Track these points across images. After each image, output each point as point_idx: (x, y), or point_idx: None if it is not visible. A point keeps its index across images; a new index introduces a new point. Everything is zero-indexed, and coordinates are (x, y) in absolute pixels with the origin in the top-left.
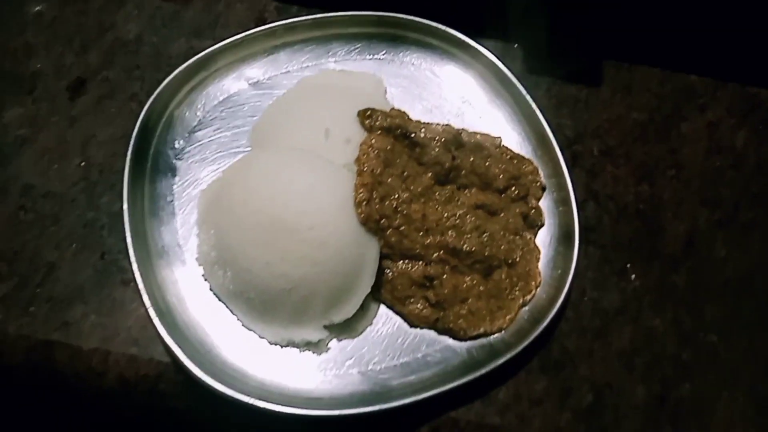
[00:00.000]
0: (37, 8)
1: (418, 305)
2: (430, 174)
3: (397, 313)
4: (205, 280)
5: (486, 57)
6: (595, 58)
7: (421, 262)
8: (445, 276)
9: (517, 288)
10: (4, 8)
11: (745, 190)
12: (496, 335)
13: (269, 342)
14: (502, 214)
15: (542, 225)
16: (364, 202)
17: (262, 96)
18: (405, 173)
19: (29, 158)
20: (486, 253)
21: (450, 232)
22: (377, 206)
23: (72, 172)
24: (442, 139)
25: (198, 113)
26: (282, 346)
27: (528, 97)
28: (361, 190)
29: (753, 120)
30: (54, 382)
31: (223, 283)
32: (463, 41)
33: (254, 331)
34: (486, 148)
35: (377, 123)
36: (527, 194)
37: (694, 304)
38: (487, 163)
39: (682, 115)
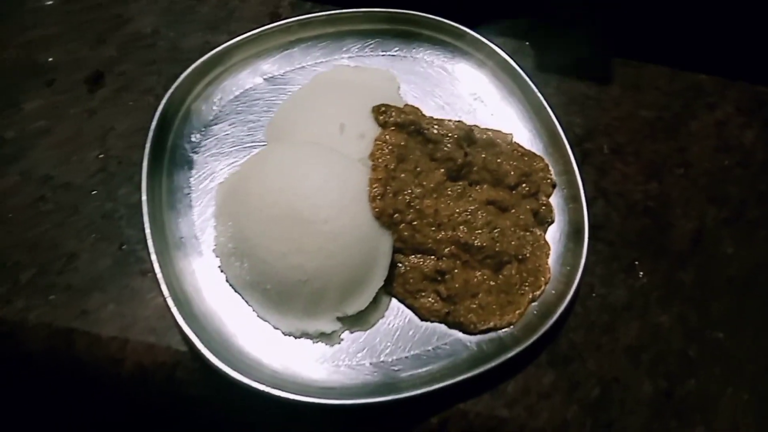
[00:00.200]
0: (49, 2)
1: (430, 299)
2: (442, 170)
3: (409, 306)
4: (222, 271)
5: (498, 54)
6: (605, 56)
7: (432, 257)
8: (456, 271)
9: (527, 283)
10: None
11: (753, 187)
12: (505, 329)
13: (283, 333)
14: (512, 211)
15: (552, 221)
16: (378, 197)
17: (277, 91)
18: (418, 169)
19: (49, 149)
20: (496, 249)
21: (461, 227)
22: (391, 201)
23: (91, 164)
24: (455, 136)
25: (214, 107)
26: (296, 337)
27: (539, 95)
28: (375, 185)
29: (761, 118)
30: (73, 369)
31: (239, 274)
32: (476, 38)
33: (269, 322)
34: (497, 144)
35: (391, 119)
36: (538, 191)
37: (700, 300)
38: (498, 160)
39: (691, 113)
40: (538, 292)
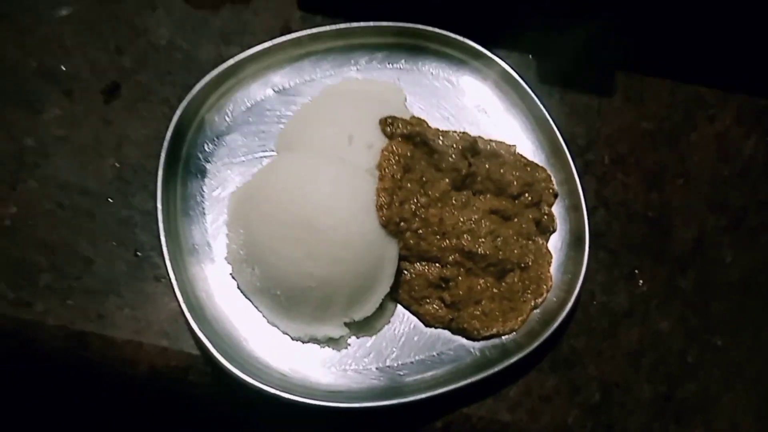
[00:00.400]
0: (65, 12)
1: (434, 305)
2: (447, 180)
3: (414, 312)
4: (233, 277)
5: (501, 67)
6: (607, 68)
7: (437, 264)
8: (460, 278)
9: (529, 291)
10: (34, 12)
11: (752, 197)
12: (508, 335)
13: (292, 337)
14: (515, 220)
15: (554, 230)
16: (385, 206)
17: (287, 102)
18: (423, 179)
19: (67, 157)
20: (499, 257)
21: (465, 235)
22: (397, 210)
23: (107, 172)
24: (459, 147)
25: (227, 118)
26: (304, 342)
27: (542, 106)
28: (382, 194)
29: (760, 129)
30: (88, 370)
31: (250, 280)
32: (480, 51)
33: (278, 327)
34: (501, 155)
35: (398, 130)
36: (540, 200)
37: (699, 307)
38: (501, 170)
39: (692, 124)
40: (540, 299)
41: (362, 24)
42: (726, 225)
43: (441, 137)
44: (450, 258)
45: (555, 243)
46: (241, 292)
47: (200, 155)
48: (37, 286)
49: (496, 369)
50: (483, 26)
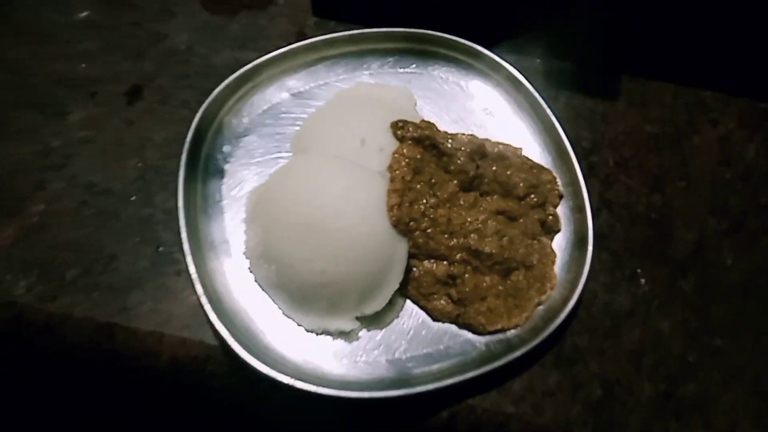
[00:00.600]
0: (84, 14)
1: (442, 301)
2: (455, 181)
3: (422, 308)
4: (250, 272)
5: (509, 71)
6: (612, 73)
7: (445, 262)
8: (467, 275)
9: (534, 289)
10: (58, 19)
11: (753, 200)
12: (512, 331)
13: (306, 330)
14: (521, 220)
15: (558, 231)
16: (396, 206)
17: (302, 105)
18: (433, 180)
19: (91, 157)
20: (505, 256)
21: (472, 235)
22: (407, 210)
23: (130, 172)
24: (467, 150)
25: (244, 120)
26: (317, 334)
27: (548, 110)
28: (392, 195)
29: (762, 133)
30: (113, 360)
31: (267, 276)
32: (488, 56)
33: (293, 320)
34: (508, 157)
35: (408, 134)
36: (545, 202)
37: (700, 307)
38: (508, 172)
39: (694, 128)
40: (544, 297)
41: (374, 30)
42: (727, 228)
43: (450, 140)
44: (457, 256)
45: (559, 243)
46: (258, 286)
47: (219, 156)
48: (64, 280)
49: (500, 363)
50: (491, 31)
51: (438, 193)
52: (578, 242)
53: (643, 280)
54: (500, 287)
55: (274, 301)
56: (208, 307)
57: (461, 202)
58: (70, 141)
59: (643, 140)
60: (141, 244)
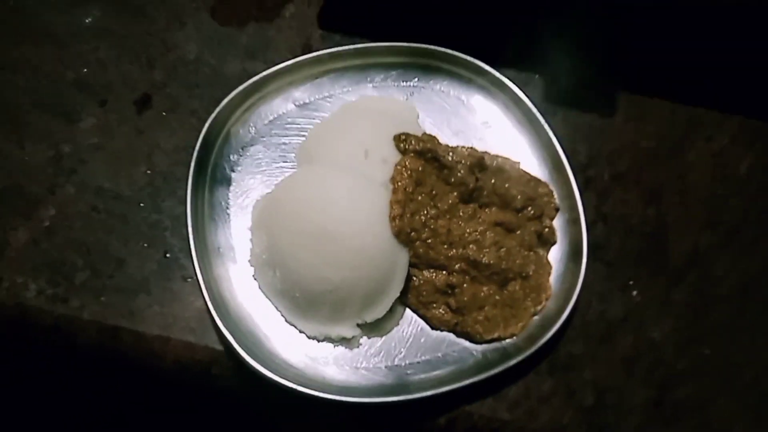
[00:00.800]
0: (96, 22)
1: (440, 310)
2: (455, 193)
3: (421, 316)
4: (255, 279)
5: (508, 86)
6: (609, 88)
7: (444, 272)
8: (465, 285)
9: (530, 299)
10: (66, 25)
11: (746, 215)
12: (508, 340)
13: (308, 336)
14: (518, 232)
15: (555, 243)
16: (398, 217)
17: (308, 116)
18: (433, 192)
19: (102, 164)
20: (503, 266)
21: (471, 245)
22: (408, 221)
23: (139, 178)
24: (467, 163)
25: (251, 130)
26: (319, 341)
27: (546, 125)
28: (395, 206)
29: (756, 150)
30: (120, 362)
31: (271, 282)
32: (488, 72)
33: (295, 326)
34: (506, 171)
35: (410, 146)
36: (542, 214)
37: (691, 318)
38: (506, 185)
39: (689, 144)
40: (539, 307)
41: (378, 44)
42: (719, 241)
43: (451, 153)
44: (456, 266)
45: (555, 254)
46: (263, 292)
47: (226, 165)
48: (73, 283)
49: (497, 370)
50: (492, 47)
51: (438, 205)
52: (573, 254)
53: (635, 292)
54: (497, 297)
55: (277, 307)
56: (213, 312)
57: (461, 214)
58: (81, 147)
59: (638, 155)
60: (149, 249)
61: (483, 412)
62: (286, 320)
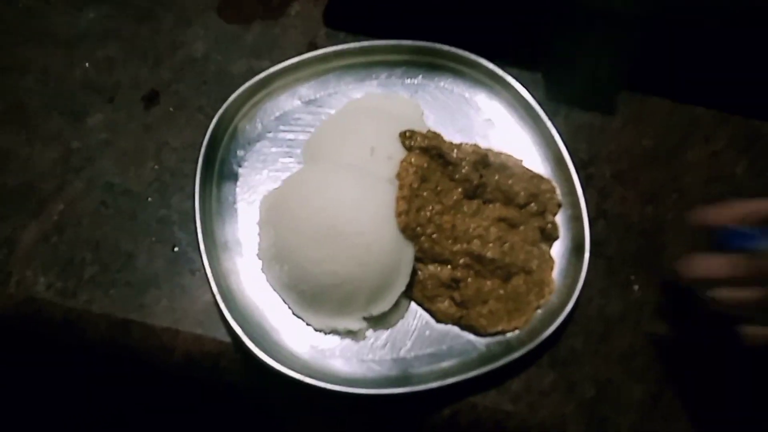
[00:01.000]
0: (104, 22)
1: (445, 304)
2: (460, 189)
3: (426, 309)
4: (263, 272)
5: (512, 85)
6: (611, 89)
7: (449, 266)
8: (469, 279)
9: (533, 293)
10: (74, 24)
11: None
12: (512, 333)
13: (315, 329)
14: (521, 227)
15: (557, 238)
16: (404, 213)
17: (313, 113)
18: (438, 188)
19: (110, 160)
20: (506, 261)
21: (475, 240)
22: (414, 216)
23: (147, 174)
24: (472, 159)
25: (258, 126)
26: (326, 333)
27: (548, 123)
28: (400, 202)
29: (752, 152)
30: (130, 355)
31: (279, 276)
32: (492, 70)
33: (302, 319)
34: (509, 167)
35: (416, 143)
36: (545, 210)
37: (689, 314)
38: (510, 181)
39: (688, 144)
40: (542, 301)
41: (383, 42)
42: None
43: (455, 150)
44: (461, 261)
45: (557, 250)
46: (270, 286)
47: (233, 160)
48: (82, 278)
49: (500, 363)
50: (496, 46)
51: (443, 201)
52: (575, 249)
53: (636, 287)
54: (501, 291)
55: (284, 300)
56: (221, 305)
57: (465, 209)
58: (89, 144)
59: (638, 154)
60: (157, 243)
61: (486, 403)
62: (293, 313)
